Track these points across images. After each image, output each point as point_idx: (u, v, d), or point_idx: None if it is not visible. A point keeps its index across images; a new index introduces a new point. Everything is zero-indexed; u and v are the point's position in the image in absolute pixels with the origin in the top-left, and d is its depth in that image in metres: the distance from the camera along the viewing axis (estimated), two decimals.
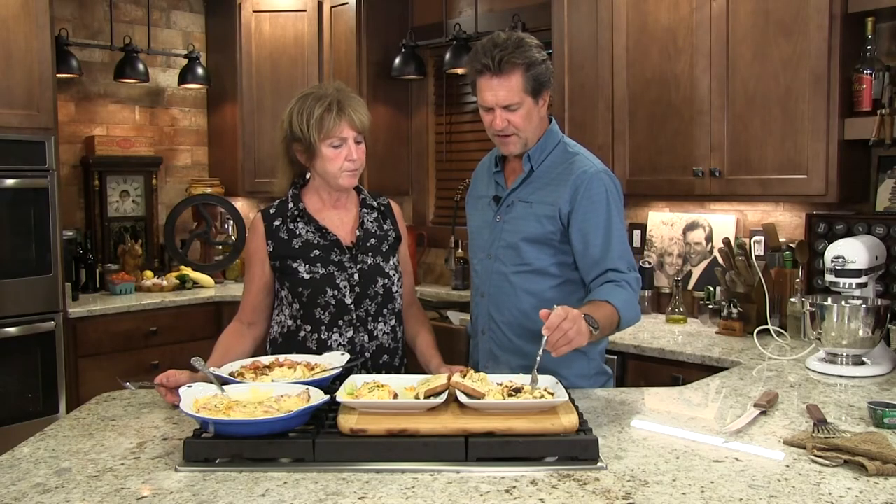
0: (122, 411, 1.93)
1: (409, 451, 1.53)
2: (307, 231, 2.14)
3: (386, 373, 2.15)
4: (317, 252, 2.12)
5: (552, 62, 3.49)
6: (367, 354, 2.13)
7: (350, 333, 2.12)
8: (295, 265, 2.11)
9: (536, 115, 2.11)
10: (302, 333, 2.13)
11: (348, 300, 2.11)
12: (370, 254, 2.15)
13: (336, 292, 2.10)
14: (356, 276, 2.12)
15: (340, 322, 2.11)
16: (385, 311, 2.16)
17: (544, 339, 1.74)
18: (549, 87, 2.11)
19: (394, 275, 2.17)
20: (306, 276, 2.10)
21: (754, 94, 2.95)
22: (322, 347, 2.10)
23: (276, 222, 2.16)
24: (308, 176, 2.20)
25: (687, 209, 3.52)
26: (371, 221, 2.21)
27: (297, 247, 2.13)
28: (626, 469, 1.53)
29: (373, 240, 2.18)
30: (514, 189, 2.17)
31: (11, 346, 3.57)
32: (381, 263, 2.16)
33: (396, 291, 2.18)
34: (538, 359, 1.76)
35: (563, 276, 2.15)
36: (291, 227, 2.15)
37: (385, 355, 2.17)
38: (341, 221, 2.18)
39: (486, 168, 2.32)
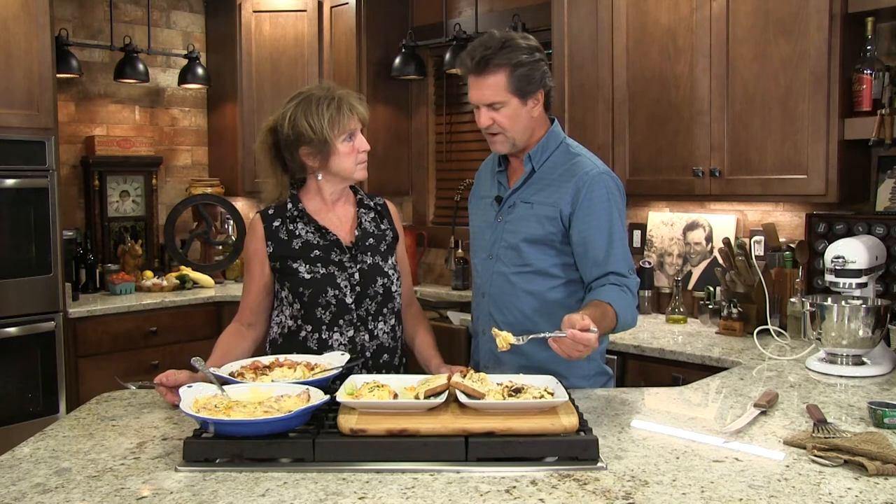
0: (122, 411, 1.93)
1: (409, 451, 1.53)
2: (307, 231, 2.15)
3: (386, 372, 2.15)
4: (317, 252, 2.12)
5: (552, 62, 3.53)
6: (368, 354, 2.13)
7: (351, 333, 2.12)
8: (295, 265, 2.11)
9: (525, 115, 2.10)
10: (303, 333, 2.13)
11: (349, 300, 2.11)
12: (369, 253, 2.16)
13: (337, 292, 2.10)
14: (356, 276, 2.12)
15: (341, 322, 2.11)
16: (385, 310, 2.17)
17: (563, 334, 1.75)
18: (540, 88, 2.10)
19: (393, 274, 2.18)
20: (307, 277, 2.10)
21: (754, 94, 2.95)
22: (323, 347, 2.10)
23: (276, 223, 2.16)
24: (318, 177, 2.18)
25: (687, 209, 3.52)
26: (369, 221, 2.21)
27: (297, 247, 2.13)
28: (626, 469, 1.53)
29: (371, 239, 2.18)
30: (516, 189, 2.17)
31: (11, 346, 3.57)
32: (381, 263, 2.16)
33: (396, 291, 2.18)
34: (542, 334, 1.79)
35: (566, 277, 2.14)
36: (291, 227, 2.15)
37: (385, 354, 2.17)
38: (340, 221, 2.19)
39: (490, 168, 2.32)
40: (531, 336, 1.82)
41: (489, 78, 2.05)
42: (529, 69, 2.06)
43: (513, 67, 2.04)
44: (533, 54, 2.08)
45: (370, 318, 2.14)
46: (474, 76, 2.08)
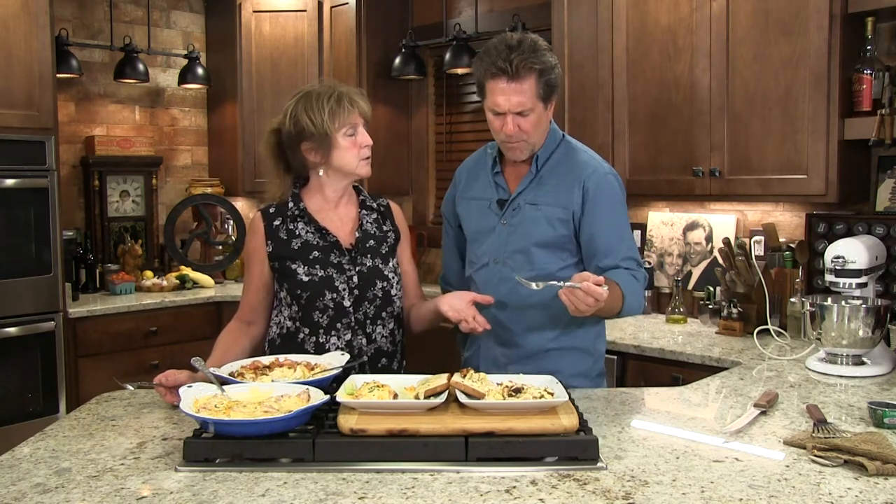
0: (122, 411, 1.93)
1: (409, 451, 1.53)
2: (307, 232, 2.14)
3: None
4: (316, 253, 2.11)
5: None
6: (366, 358, 2.11)
7: (348, 336, 2.11)
8: (294, 266, 2.10)
9: (545, 120, 2.10)
10: (300, 336, 2.12)
11: (347, 303, 2.10)
12: (369, 255, 2.14)
13: (335, 295, 2.09)
14: (355, 279, 2.10)
15: (339, 325, 2.10)
16: (384, 314, 2.15)
17: (578, 285, 1.80)
18: (558, 93, 2.11)
19: (393, 277, 2.16)
20: (305, 279, 2.09)
21: (754, 94, 2.95)
22: (320, 350, 2.09)
23: (276, 222, 2.15)
24: (320, 173, 2.17)
25: (687, 209, 3.52)
26: (370, 223, 2.19)
27: (296, 247, 2.12)
28: (626, 469, 1.53)
29: (372, 241, 2.16)
30: (521, 192, 2.15)
31: (11, 346, 3.57)
32: (381, 266, 2.15)
33: (395, 294, 2.17)
34: (559, 283, 1.85)
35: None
36: (291, 227, 2.14)
37: (384, 358, 2.16)
38: (341, 222, 2.17)
39: (482, 167, 2.26)
40: (548, 284, 1.87)
41: (523, 83, 2.00)
42: (555, 73, 2.06)
43: (541, 72, 2.01)
44: (554, 56, 2.08)
45: (368, 321, 2.12)
46: (506, 82, 2.00)
